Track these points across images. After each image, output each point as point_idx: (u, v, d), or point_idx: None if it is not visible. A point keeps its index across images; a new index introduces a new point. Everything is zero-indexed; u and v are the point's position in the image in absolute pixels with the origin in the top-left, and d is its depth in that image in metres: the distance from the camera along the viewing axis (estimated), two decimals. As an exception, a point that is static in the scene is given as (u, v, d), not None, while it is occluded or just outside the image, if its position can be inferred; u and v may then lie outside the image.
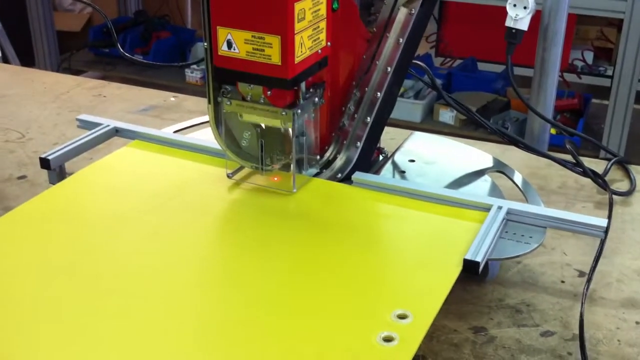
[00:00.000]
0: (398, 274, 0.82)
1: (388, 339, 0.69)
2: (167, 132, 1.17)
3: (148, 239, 0.88)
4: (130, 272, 0.82)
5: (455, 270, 0.80)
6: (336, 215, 0.93)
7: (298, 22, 0.85)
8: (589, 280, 0.87)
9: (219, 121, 0.96)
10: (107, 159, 1.06)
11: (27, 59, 3.58)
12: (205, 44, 0.90)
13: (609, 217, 1.00)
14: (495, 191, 1.02)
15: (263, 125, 0.96)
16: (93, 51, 3.99)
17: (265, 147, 0.96)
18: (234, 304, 0.77)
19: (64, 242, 0.87)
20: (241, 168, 1.00)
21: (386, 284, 0.80)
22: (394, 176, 1.06)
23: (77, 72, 3.68)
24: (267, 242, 0.87)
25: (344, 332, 0.71)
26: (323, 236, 0.89)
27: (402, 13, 0.97)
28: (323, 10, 0.90)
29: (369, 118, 0.99)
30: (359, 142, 0.99)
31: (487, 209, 0.91)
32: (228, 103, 0.93)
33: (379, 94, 0.98)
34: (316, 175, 1.00)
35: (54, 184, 1.04)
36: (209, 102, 0.94)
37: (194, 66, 3.60)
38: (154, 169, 1.04)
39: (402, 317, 0.72)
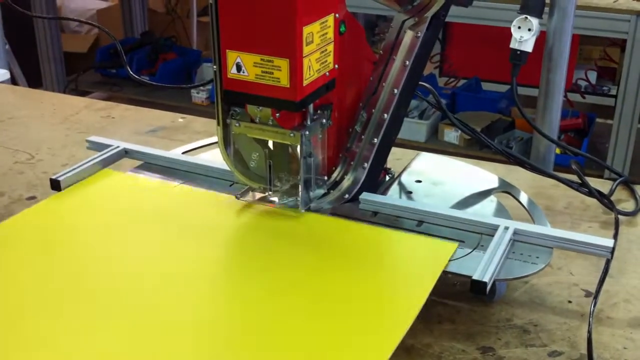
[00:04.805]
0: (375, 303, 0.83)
1: None
2: (176, 153, 1.18)
3: (155, 258, 0.89)
4: (136, 291, 0.83)
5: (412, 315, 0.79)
6: (338, 242, 0.94)
7: (306, 45, 0.87)
8: (595, 299, 0.87)
9: (227, 142, 0.97)
10: (113, 179, 1.08)
11: (35, 80, 3.61)
12: (215, 66, 0.91)
13: (615, 237, 1.01)
14: (501, 211, 1.03)
15: (271, 147, 0.97)
16: (100, 72, 4.02)
17: (273, 168, 0.97)
18: (222, 320, 0.79)
19: (69, 260, 0.88)
20: (249, 189, 1.01)
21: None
22: (400, 196, 1.07)
23: (83, 93, 3.71)
24: (266, 263, 0.89)
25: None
26: (324, 260, 0.90)
27: (408, 36, 0.98)
28: (331, 33, 0.92)
29: (376, 139, 1.00)
30: (366, 163, 1.00)
31: (493, 229, 0.91)
32: (237, 125, 0.94)
33: (385, 115, 0.99)
34: (323, 195, 1.01)
35: (64, 205, 1.05)
36: (218, 124, 0.95)
37: (200, 87, 3.63)
38: (161, 188, 1.05)
39: None
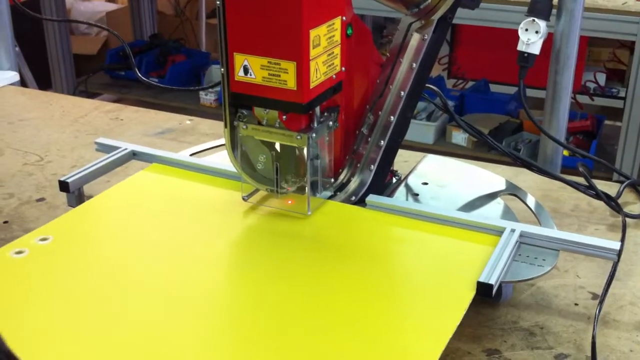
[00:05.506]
0: (407, 304, 0.83)
1: None
2: (184, 155, 1.19)
3: (164, 262, 0.90)
4: (145, 294, 0.83)
5: (465, 302, 0.80)
6: (350, 239, 0.94)
7: (313, 48, 0.87)
8: (601, 303, 0.87)
9: (235, 145, 0.97)
10: (125, 183, 1.08)
11: (44, 82, 3.63)
12: (222, 69, 0.92)
13: (622, 239, 1.01)
14: (508, 214, 1.03)
15: (278, 149, 0.97)
16: (109, 74, 4.04)
17: (280, 170, 0.97)
18: (243, 323, 0.79)
19: (82, 265, 0.89)
20: (256, 191, 1.01)
21: (392, 318, 0.80)
22: (407, 199, 1.07)
23: (92, 95, 3.73)
24: (280, 265, 0.89)
25: None
26: (336, 260, 0.90)
27: (415, 39, 0.98)
28: (337, 36, 0.92)
29: (382, 141, 1.00)
30: (372, 165, 1.00)
31: (500, 231, 0.92)
32: (244, 127, 0.95)
33: (392, 117, 1.00)
34: (330, 197, 1.01)
35: (72, 207, 1.06)
36: (225, 126, 0.96)
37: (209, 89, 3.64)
38: (171, 192, 1.06)
39: None
